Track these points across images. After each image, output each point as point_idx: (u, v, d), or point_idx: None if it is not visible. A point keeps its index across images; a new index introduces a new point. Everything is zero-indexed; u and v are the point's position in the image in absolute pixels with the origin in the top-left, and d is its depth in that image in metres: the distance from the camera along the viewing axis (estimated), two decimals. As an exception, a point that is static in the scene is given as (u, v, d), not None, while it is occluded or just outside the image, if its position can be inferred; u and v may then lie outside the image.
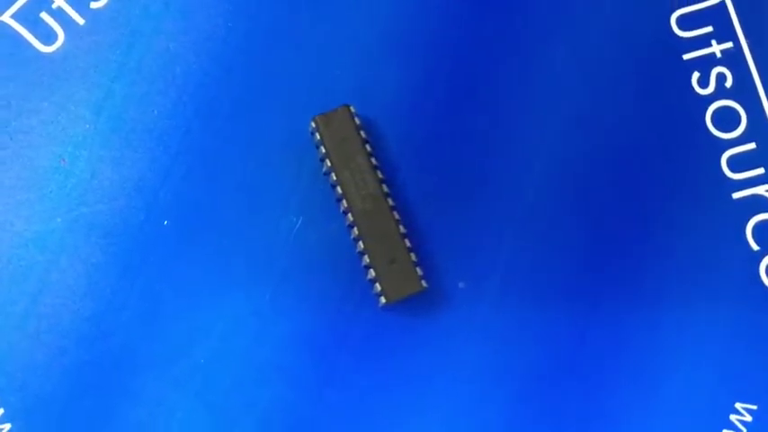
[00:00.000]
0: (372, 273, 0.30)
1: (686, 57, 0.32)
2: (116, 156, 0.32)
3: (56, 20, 0.32)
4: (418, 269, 0.30)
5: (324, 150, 0.31)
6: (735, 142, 0.32)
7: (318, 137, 0.31)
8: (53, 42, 0.32)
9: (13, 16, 0.32)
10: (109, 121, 0.32)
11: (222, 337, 0.31)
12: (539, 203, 0.32)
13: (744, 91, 0.32)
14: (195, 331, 0.31)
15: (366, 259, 0.30)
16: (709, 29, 0.32)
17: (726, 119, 0.32)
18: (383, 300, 0.30)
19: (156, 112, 0.32)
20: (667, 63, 0.32)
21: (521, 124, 0.32)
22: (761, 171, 0.31)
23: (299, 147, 0.32)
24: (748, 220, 0.31)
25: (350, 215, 0.30)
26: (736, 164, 0.32)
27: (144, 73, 0.32)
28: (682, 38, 0.32)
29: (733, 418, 0.30)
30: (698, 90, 0.32)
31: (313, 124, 0.31)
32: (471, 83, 0.32)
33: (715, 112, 0.32)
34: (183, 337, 0.31)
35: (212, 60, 0.32)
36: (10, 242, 0.31)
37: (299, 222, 0.31)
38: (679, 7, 0.32)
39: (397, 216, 0.31)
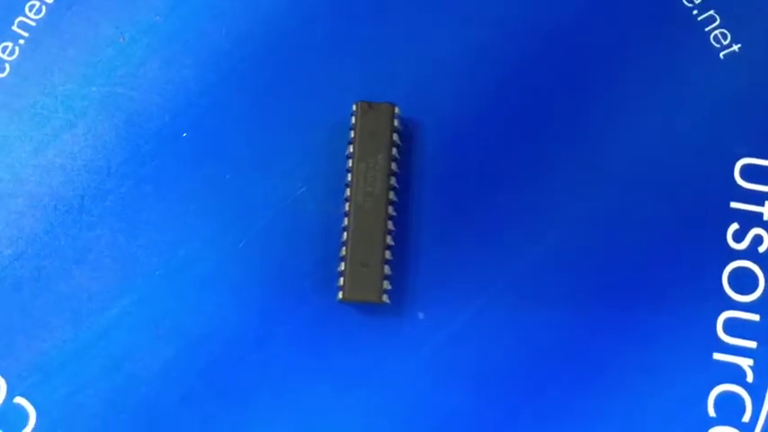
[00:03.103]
0: (342, 266, 0.30)
1: (733, 205, 0.31)
2: (169, 55, 0.32)
3: None
4: (386, 282, 0.30)
5: (352, 135, 0.31)
6: (740, 306, 0.31)
7: (353, 120, 0.31)
8: (161, -73, 0.33)
9: None
10: (178, 22, 0.32)
11: (184, 262, 0.31)
12: (537, 274, 0.31)
13: (773, 262, 0.31)
14: (161, 244, 0.31)
15: (343, 251, 0.30)
16: (768, 189, 0.31)
17: (743, 280, 0.31)
18: (339, 295, 0.30)
19: (224, 31, 0.32)
20: (713, 204, 0.31)
21: (556, 191, 0.31)
22: (752, 344, 0.30)
23: (335, 122, 0.32)
24: (717, 385, 0.30)
25: (347, 205, 0.31)
26: (731, 327, 0.30)
27: (230, -9, 0.33)
28: (738, 185, 0.31)
29: None
30: (730, 241, 0.31)
31: (354, 107, 0.31)
32: (527, 133, 0.32)
33: (735, 270, 0.31)
34: (147, 244, 0.31)
35: (297, 4, 0.32)
36: (43, 89, 0.32)
37: (302, 190, 0.31)
38: (748, 155, 0.31)
39: (390, 226, 0.31)
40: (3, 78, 0.32)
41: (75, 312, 0.31)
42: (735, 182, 0.31)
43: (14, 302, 0.31)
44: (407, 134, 0.32)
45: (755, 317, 0.31)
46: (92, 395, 0.30)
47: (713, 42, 0.32)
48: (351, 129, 0.31)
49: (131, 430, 0.30)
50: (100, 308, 0.31)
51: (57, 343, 0.31)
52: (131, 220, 0.31)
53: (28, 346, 0.31)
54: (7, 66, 0.32)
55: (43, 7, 0.33)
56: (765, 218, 0.31)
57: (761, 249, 0.31)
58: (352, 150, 0.31)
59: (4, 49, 0.32)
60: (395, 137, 0.31)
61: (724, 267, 0.31)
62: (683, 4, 0.32)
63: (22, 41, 0.32)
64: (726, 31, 0.32)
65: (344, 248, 0.30)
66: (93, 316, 0.31)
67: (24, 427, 0.30)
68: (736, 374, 0.30)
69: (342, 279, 0.30)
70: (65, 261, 0.31)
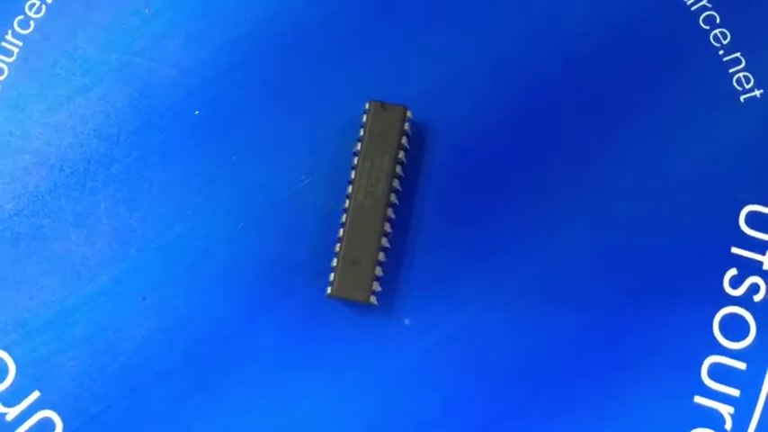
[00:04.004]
0: (334, 262, 0.30)
1: (734, 250, 0.31)
2: (192, 31, 0.32)
3: None
4: (376, 283, 0.30)
5: (361, 133, 0.31)
6: (728, 352, 0.30)
7: (365, 119, 0.31)
8: None
9: None
10: (205, 1, 0.32)
11: (180, 238, 0.31)
12: (528, 294, 0.31)
13: (767, 312, 0.30)
14: (159, 217, 0.31)
15: (337, 247, 0.30)
16: (771, 238, 0.31)
17: (733, 327, 0.30)
18: (328, 290, 0.30)
19: (249, 16, 0.32)
20: (714, 246, 0.31)
21: (559, 213, 0.31)
22: (735, 392, 0.30)
23: (347, 118, 0.32)
24: (694, 428, 0.30)
25: (348, 201, 0.31)
26: (716, 372, 0.30)
27: (259, -23, 0.33)
28: (741, 231, 0.31)
29: None
30: (726, 286, 0.31)
31: (367, 106, 0.31)
32: (537, 152, 0.32)
33: (727, 316, 0.30)
34: (146, 216, 0.31)
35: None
36: (65, 50, 0.32)
37: (305, 182, 0.31)
38: (754, 202, 0.31)
39: (387, 228, 0.30)
40: (26, 35, 0.32)
41: (66, 274, 0.31)
42: (738, 227, 0.31)
43: (8, 257, 0.31)
44: (418, 139, 0.32)
45: (742, 365, 0.30)
46: (71, 358, 0.30)
47: (735, 85, 0.32)
48: (361, 127, 0.31)
49: (105, 398, 0.30)
50: (91, 273, 0.31)
51: (44, 302, 0.31)
52: (133, 190, 0.32)
53: (15, 302, 0.31)
54: (32, 23, 0.33)
55: (74, -31, 0.33)
56: (765, 267, 0.31)
57: (756, 298, 0.31)
58: (359, 148, 0.31)
59: (31, 6, 0.33)
60: (404, 140, 0.31)
61: (716, 311, 0.30)
62: (711, 43, 0.32)
63: (50, 0, 0.33)
64: (750, 75, 0.32)
65: (339, 245, 0.30)
66: (83, 280, 0.31)
67: (3, 380, 0.31)
68: (715, 420, 0.30)
69: (332, 275, 0.30)
70: (63, 223, 0.31)
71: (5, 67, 0.32)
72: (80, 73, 0.32)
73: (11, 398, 0.30)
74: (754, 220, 0.31)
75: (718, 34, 0.32)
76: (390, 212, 0.31)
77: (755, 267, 0.31)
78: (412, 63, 0.32)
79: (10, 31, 0.32)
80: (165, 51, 0.32)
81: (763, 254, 0.31)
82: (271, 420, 0.30)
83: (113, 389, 0.30)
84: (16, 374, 0.31)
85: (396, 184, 0.31)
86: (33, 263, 0.31)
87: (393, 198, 0.31)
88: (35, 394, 0.30)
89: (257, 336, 0.31)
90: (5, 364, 0.31)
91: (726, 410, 0.30)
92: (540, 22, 0.32)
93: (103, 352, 0.31)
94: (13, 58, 0.32)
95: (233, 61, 0.32)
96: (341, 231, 0.30)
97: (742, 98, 0.32)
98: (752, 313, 0.30)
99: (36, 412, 0.30)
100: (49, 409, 0.30)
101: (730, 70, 0.32)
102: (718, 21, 0.32)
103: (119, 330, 0.31)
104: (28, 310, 0.31)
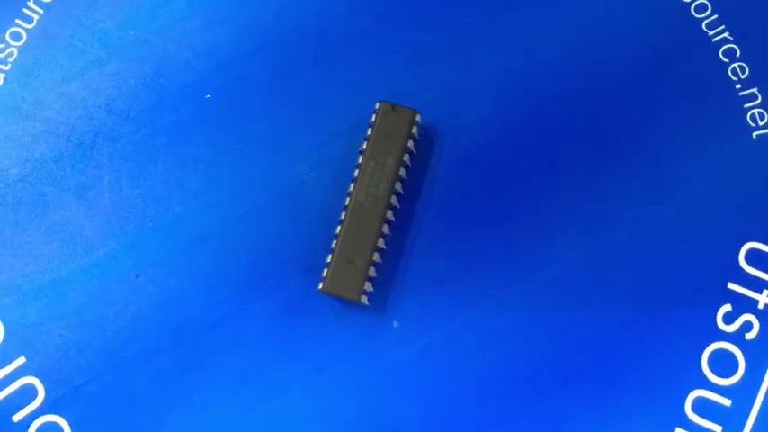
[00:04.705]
0: (329, 258, 0.30)
1: (730, 286, 0.30)
2: (211, 17, 0.33)
3: None
4: (368, 283, 0.30)
5: (369, 132, 0.31)
6: (714, 387, 0.30)
7: (373, 118, 0.31)
8: None
9: None
10: (226, -13, 0.33)
11: (178, 219, 0.31)
12: (517, 308, 0.31)
13: (757, 351, 0.30)
14: (160, 197, 0.31)
15: (333, 244, 0.30)
16: (769, 277, 0.31)
17: (722, 362, 0.30)
18: (320, 285, 0.30)
19: (268, 5, 0.33)
20: (711, 280, 0.31)
21: (562, 231, 0.31)
22: (717, 428, 0.30)
23: (358, 117, 0.32)
24: (673, 460, 0.30)
25: (348, 199, 0.31)
26: (701, 406, 0.30)
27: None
28: (740, 268, 0.31)
29: None
30: (718, 322, 0.30)
31: (377, 106, 0.31)
32: (545, 168, 0.31)
33: (718, 351, 0.30)
34: (147, 194, 0.31)
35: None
36: (84, 22, 0.33)
37: (308, 175, 0.31)
38: (756, 240, 0.31)
39: (385, 229, 0.30)
40: (48, 3, 0.33)
41: (63, 244, 0.31)
42: (737, 263, 0.31)
43: (8, 221, 0.31)
44: (425, 144, 0.32)
45: (727, 401, 0.30)
46: (61, 327, 0.31)
47: (749, 121, 0.32)
48: (369, 126, 0.31)
49: (89, 370, 0.30)
50: (88, 245, 0.31)
51: (39, 269, 0.31)
52: (138, 167, 0.32)
53: (11, 266, 0.31)
54: (55, -8, 0.33)
55: (101, -57, 0.33)
56: (760, 306, 0.30)
57: (748, 336, 0.30)
58: (365, 147, 0.31)
59: (56, -25, 0.33)
60: (410, 143, 0.31)
61: (706, 346, 0.30)
62: (729, 76, 0.32)
63: (74, -28, 0.33)
64: (764, 112, 0.32)
65: (335, 241, 0.30)
66: (80, 252, 0.31)
67: (-9, 342, 0.31)
68: (694, 454, 0.30)
69: (326, 271, 0.30)
70: (66, 193, 0.32)
71: (24, 33, 0.32)
72: (97, 46, 0.32)
73: (-3, 361, 0.31)
74: (753, 257, 0.31)
75: (737, 68, 0.32)
76: (390, 214, 0.31)
77: (751, 305, 0.30)
78: (427, 69, 0.32)
79: (33, -2, 0.33)
80: (182, 33, 0.32)
81: (760, 292, 0.30)
82: (251, 408, 0.30)
83: (99, 362, 0.31)
84: (4, 338, 0.31)
85: (398, 186, 0.31)
86: (32, 230, 0.31)
87: (394, 200, 0.31)
88: (21, 360, 0.31)
89: (246, 323, 0.31)
90: (-5, 327, 0.31)
91: (706, 446, 0.30)
92: (554, 40, 0.32)
93: (93, 325, 0.31)
94: (33, 24, 0.33)
95: (249, 49, 0.32)
96: (339, 228, 0.30)
97: (754, 134, 0.31)
98: (742, 351, 0.30)
99: (20, 377, 0.30)
100: (33, 375, 0.30)
101: (745, 105, 0.32)
102: (738, 54, 0.32)
103: (110, 305, 0.31)
104: (23, 276, 0.31)
